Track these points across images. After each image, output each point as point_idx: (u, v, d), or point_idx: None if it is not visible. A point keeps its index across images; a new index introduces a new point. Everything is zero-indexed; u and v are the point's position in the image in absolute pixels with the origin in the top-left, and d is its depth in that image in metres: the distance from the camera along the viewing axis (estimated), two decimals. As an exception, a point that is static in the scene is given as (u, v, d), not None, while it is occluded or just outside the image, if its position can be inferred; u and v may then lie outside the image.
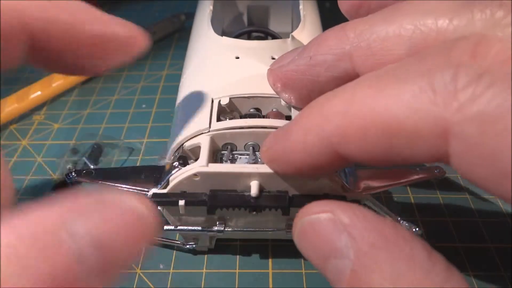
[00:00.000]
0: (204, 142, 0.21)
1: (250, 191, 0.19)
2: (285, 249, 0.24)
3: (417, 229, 0.25)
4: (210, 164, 0.20)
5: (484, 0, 0.14)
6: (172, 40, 0.45)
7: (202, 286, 0.23)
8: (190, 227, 0.22)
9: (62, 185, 0.28)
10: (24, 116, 0.35)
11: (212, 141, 0.21)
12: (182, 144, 0.21)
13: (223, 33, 0.27)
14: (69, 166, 0.30)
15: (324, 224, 0.14)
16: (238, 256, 0.25)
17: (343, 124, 0.14)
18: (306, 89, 0.19)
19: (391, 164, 0.14)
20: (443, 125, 0.12)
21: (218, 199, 0.20)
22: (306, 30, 0.27)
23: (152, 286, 0.23)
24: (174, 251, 0.25)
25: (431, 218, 0.26)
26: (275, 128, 0.20)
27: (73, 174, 0.23)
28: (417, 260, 0.12)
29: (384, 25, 0.16)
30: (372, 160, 0.14)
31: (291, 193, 0.20)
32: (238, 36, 0.29)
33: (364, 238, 0.13)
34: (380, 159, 0.14)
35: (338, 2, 0.20)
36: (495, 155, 0.11)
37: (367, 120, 0.13)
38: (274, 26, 0.35)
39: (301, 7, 0.29)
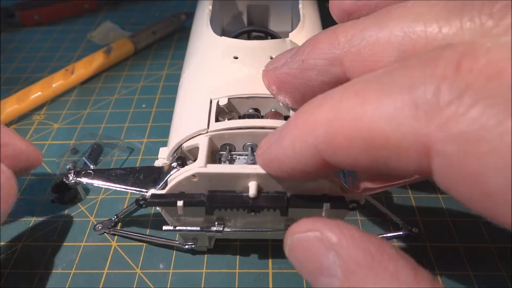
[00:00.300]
0: (202, 143, 0.21)
1: (248, 191, 0.19)
2: (285, 249, 0.24)
3: (414, 229, 0.25)
4: (209, 165, 0.19)
5: (476, 7, 0.13)
6: (172, 40, 0.45)
7: (202, 286, 0.23)
8: (188, 228, 0.22)
9: (62, 185, 0.28)
10: (24, 116, 0.35)
11: (211, 141, 0.21)
12: (181, 145, 0.21)
13: (222, 33, 0.27)
14: (69, 166, 0.30)
15: (312, 242, 0.14)
16: (238, 256, 0.25)
17: (329, 132, 0.14)
18: (299, 92, 0.19)
19: (380, 173, 0.14)
20: (425, 142, 0.12)
21: (216, 199, 0.20)
22: (306, 29, 0.27)
23: (152, 286, 0.23)
24: (174, 251, 0.25)
25: (431, 218, 0.26)
26: (274, 128, 0.20)
27: (72, 175, 0.23)
28: (401, 279, 0.13)
29: (374, 30, 0.16)
30: (359, 169, 0.15)
31: (289, 193, 0.20)
32: (237, 36, 0.29)
33: (351, 257, 0.13)
34: (367, 168, 0.14)
35: (330, 8, 0.20)
36: (478, 176, 0.11)
37: (352, 131, 0.13)
38: (274, 25, 0.35)
39: (300, 6, 0.29)
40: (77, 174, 0.23)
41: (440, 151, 0.12)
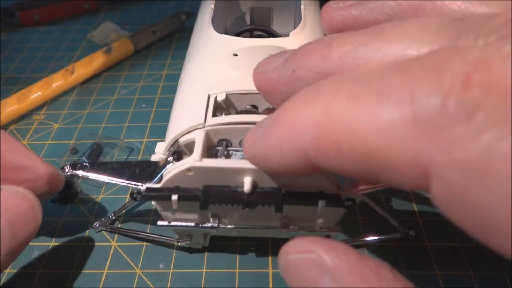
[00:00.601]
0: (198, 137, 0.21)
1: (243, 187, 0.19)
2: (285, 249, 0.24)
3: (412, 232, 0.25)
4: (204, 159, 0.19)
5: (470, 37, 0.12)
6: (172, 40, 0.45)
7: (202, 286, 0.23)
8: (183, 223, 0.22)
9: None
10: (24, 116, 0.35)
11: (207, 136, 0.21)
12: (177, 139, 0.21)
13: (225, 34, 0.27)
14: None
15: (307, 264, 0.14)
16: (238, 256, 0.24)
17: (317, 138, 0.13)
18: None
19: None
20: (424, 163, 0.11)
21: (211, 194, 0.20)
22: (307, 29, 0.27)
23: (152, 286, 0.23)
24: (174, 251, 0.25)
25: (431, 218, 0.26)
26: None
27: (68, 167, 0.23)
28: None
29: (366, 51, 0.15)
30: (351, 176, 0.14)
31: (284, 190, 0.19)
32: (238, 34, 0.29)
33: (347, 281, 0.13)
34: (359, 177, 0.14)
35: (321, 21, 0.20)
36: (482, 207, 0.10)
37: (343, 141, 0.13)
38: (276, 28, 0.35)
39: (302, 7, 0.29)
40: (73, 166, 0.23)
41: (441, 176, 0.11)
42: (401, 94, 0.11)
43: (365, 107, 0.12)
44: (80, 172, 0.23)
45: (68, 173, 0.24)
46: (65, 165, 0.24)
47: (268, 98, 0.19)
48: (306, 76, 0.17)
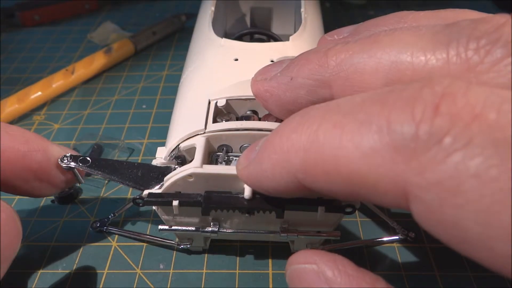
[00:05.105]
0: (199, 143, 0.21)
1: (243, 193, 0.19)
2: (285, 249, 0.24)
3: (411, 234, 0.25)
4: (204, 166, 0.20)
5: (462, 41, 0.13)
6: (172, 40, 0.45)
7: (202, 286, 0.23)
8: (184, 228, 0.22)
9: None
10: (24, 116, 0.35)
11: (208, 142, 0.21)
12: (178, 145, 0.21)
13: (225, 35, 0.27)
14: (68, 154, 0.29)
15: (308, 275, 0.15)
16: (238, 256, 0.25)
17: (305, 162, 0.14)
18: (286, 108, 0.19)
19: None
20: (403, 185, 0.12)
21: (212, 200, 0.20)
22: (307, 33, 0.28)
23: (152, 286, 0.23)
24: (174, 251, 0.25)
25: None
26: (271, 131, 0.20)
27: (68, 158, 0.22)
28: None
29: (362, 58, 0.16)
30: (340, 198, 0.15)
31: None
32: (239, 38, 0.29)
33: None
34: (347, 198, 0.14)
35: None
36: (456, 224, 0.11)
37: (329, 165, 0.13)
38: (277, 28, 0.35)
39: (302, 9, 0.29)
40: (74, 159, 0.22)
41: (418, 196, 0.12)
42: (379, 123, 0.12)
43: (348, 135, 0.13)
44: (80, 166, 0.22)
45: (67, 165, 0.23)
46: (65, 156, 0.22)
47: (266, 105, 0.20)
48: (304, 83, 0.18)
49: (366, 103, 0.13)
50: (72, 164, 0.22)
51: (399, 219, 0.25)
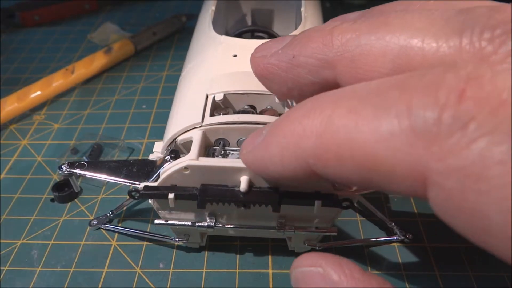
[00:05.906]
0: (196, 137, 0.21)
1: (240, 186, 0.19)
2: (285, 249, 0.24)
3: (408, 235, 0.25)
4: (201, 158, 0.19)
5: (476, 29, 0.13)
6: (172, 41, 0.45)
7: (202, 286, 0.23)
8: (180, 222, 0.22)
9: (62, 185, 0.28)
10: (24, 116, 0.35)
11: (205, 136, 0.21)
12: (175, 138, 0.21)
13: (226, 35, 0.27)
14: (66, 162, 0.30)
15: (314, 278, 0.15)
16: (238, 256, 0.25)
17: (318, 148, 0.14)
18: (286, 86, 0.18)
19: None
20: (422, 171, 0.12)
21: (208, 193, 0.20)
22: (307, 30, 0.27)
23: (152, 286, 0.23)
24: (174, 250, 0.25)
25: (431, 218, 0.26)
26: None
27: (66, 166, 0.23)
28: None
29: (370, 39, 0.15)
30: (351, 185, 0.14)
31: (281, 189, 0.19)
32: (239, 35, 0.30)
33: None
34: (359, 185, 0.14)
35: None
36: (478, 213, 0.11)
37: (344, 150, 0.13)
38: (278, 30, 0.35)
39: (302, 8, 0.29)
40: (71, 165, 0.23)
41: (438, 183, 0.11)
42: (399, 108, 0.12)
43: (365, 119, 0.13)
44: (78, 171, 0.23)
45: (66, 172, 0.23)
46: (63, 164, 0.24)
47: (265, 83, 0.19)
48: (307, 62, 0.17)
49: (384, 88, 0.13)
50: (70, 170, 0.23)
51: (400, 219, 0.25)
